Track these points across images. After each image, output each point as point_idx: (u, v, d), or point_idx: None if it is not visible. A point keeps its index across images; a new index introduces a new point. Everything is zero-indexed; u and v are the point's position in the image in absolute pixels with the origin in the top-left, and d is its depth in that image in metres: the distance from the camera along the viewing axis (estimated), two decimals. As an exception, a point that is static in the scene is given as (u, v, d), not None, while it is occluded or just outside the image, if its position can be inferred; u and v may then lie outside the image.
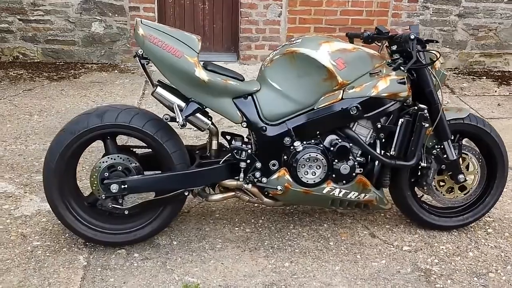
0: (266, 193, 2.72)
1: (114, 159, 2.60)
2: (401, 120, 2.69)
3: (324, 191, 2.71)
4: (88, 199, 2.73)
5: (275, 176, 2.67)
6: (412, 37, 2.47)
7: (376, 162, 2.74)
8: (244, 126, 2.63)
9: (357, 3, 5.95)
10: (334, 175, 2.69)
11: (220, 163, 2.64)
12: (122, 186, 2.55)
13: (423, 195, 3.06)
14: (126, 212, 2.63)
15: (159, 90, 2.55)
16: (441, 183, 2.94)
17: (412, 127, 2.70)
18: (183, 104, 2.56)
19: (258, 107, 2.63)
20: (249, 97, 2.63)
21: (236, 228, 2.96)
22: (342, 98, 2.62)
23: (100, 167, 2.59)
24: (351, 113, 2.61)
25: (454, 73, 6.27)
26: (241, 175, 2.65)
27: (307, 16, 5.93)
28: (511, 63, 6.49)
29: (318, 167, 2.67)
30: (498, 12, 6.25)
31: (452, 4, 6.16)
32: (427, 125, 2.70)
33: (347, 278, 2.60)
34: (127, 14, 5.73)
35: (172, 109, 2.58)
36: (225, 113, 2.61)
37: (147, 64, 2.54)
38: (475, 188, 2.98)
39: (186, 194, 2.63)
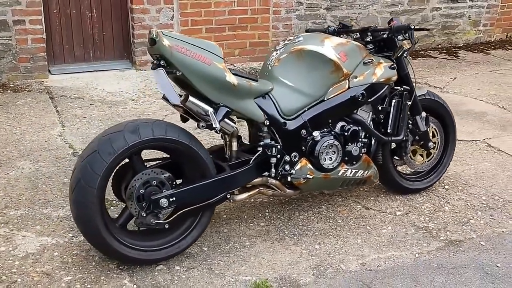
0: (287, 184, 2.88)
1: (149, 174, 2.53)
2: (393, 101, 3.05)
3: (340, 174, 2.96)
4: (119, 220, 2.60)
5: (298, 166, 2.84)
6: (412, 27, 2.84)
7: (373, 141, 3.07)
8: (267, 124, 2.75)
9: (242, 2, 6.22)
10: (346, 158, 2.95)
11: (251, 162, 2.73)
12: (171, 199, 2.50)
13: (397, 165, 3.48)
14: (167, 226, 2.58)
15: (192, 99, 2.53)
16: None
17: (400, 106, 3.09)
18: (212, 110, 2.59)
19: (276, 105, 2.76)
20: (267, 96, 2.75)
21: (251, 224, 3.06)
22: (349, 87, 2.89)
23: (135, 185, 2.49)
24: (359, 99, 2.90)
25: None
26: (273, 170, 2.76)
27: (198, 18, 6.04)
28: (371, 47, 7.36)
29: (333, 152, 2.91)
30: (357, 3, 7.04)
31: (321, -1, 6.79)
32: (409, 103, 3.12)
33: (373, 248, 2.89)
34: (11, 29, 5.23)
35: (201, 117, 2.58)
36: (250, 113, 2.70)
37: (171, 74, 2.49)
38: (437, 153, 3.49)
39: (228, 197, 2.67)
